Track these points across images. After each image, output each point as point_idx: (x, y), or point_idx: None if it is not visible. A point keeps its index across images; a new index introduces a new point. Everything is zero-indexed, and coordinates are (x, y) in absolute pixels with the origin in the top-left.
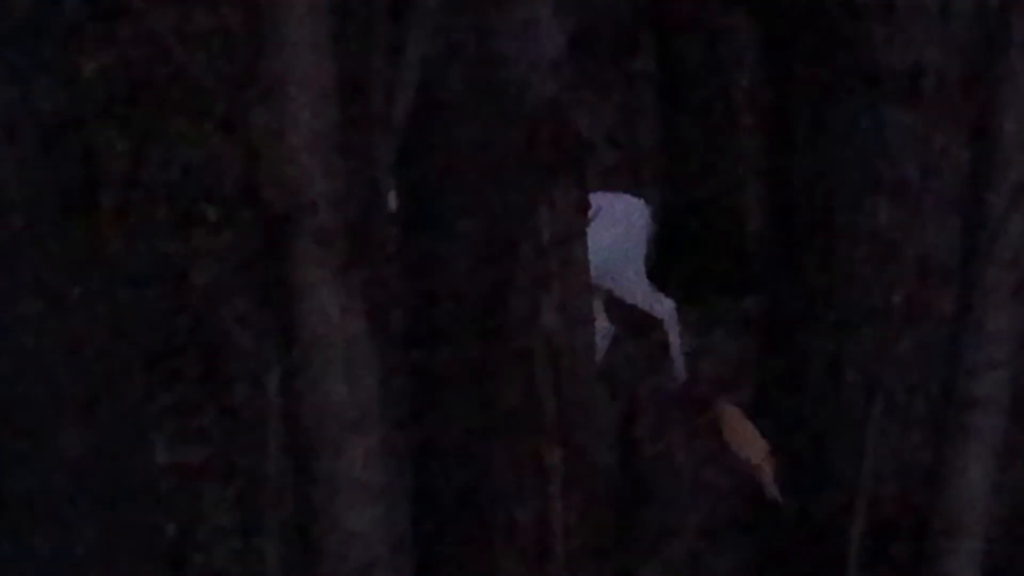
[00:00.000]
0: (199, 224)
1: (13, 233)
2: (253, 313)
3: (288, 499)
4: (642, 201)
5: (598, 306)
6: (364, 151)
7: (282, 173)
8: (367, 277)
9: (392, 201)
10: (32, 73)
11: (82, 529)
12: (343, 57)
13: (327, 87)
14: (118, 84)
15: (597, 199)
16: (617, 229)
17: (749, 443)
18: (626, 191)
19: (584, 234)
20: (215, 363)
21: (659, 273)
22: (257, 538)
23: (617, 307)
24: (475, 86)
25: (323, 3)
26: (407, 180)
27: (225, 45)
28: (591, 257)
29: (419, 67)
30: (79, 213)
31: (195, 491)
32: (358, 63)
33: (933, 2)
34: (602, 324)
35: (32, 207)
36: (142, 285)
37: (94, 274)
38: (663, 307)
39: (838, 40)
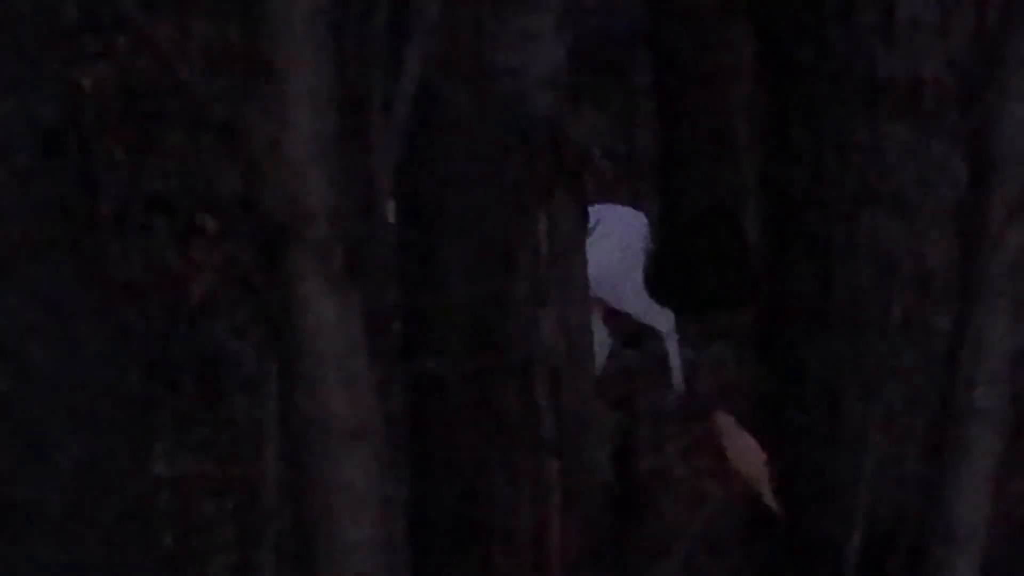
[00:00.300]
0: (197, 235)
1: (11, 245)
2: (251, 324)
3: (286, 510)
4: (640, 213)
5: (596, 318)
6: (363, 162)
7: (281, 184)
8: (365, 288)
9: (391, 212)
10: (30, 84)
11: (80, 540)
12: (342, 68)
13: (326, 98)
14: (116, 95)
15: (595, 212)
16: (616, 241)
17: (747, 455)
18: (624, 203)
19: (582, 247)
20: (213, 374)
21: (657, 285)
22: (255, 549)
23: (616, 319)
24: (474, 98)
25: (322, 14)
26: (406, 191)
27: (223, 55)
28: (590, 270)
29: (418, 79)
30: (77, 224)
31: (193, 502)
32: (357, 74)
33: (932, 15)
34: (601, 336)
35: (30, 219)
36: (140, 296)
37: (92, 285)
38: (662, 319)
39: (836, 52)
